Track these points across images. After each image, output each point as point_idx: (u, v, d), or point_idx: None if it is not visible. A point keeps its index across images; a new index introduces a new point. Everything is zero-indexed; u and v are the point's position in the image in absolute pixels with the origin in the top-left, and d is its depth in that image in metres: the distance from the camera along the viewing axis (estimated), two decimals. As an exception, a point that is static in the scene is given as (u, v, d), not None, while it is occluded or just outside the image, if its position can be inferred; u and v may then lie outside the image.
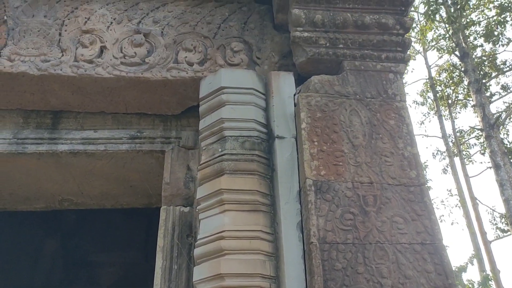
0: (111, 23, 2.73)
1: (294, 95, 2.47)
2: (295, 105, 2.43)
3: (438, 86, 18.15)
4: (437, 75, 18.01)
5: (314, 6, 2.55)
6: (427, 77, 18.19)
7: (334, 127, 2.27)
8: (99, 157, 2.75)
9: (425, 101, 18.99)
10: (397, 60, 2.48)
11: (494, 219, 16.69)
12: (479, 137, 16.87)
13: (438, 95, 17.89)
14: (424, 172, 2.18)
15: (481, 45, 15.27)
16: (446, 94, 18.02)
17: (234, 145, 2.30)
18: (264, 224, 2.12)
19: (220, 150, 2.30)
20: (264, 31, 2.79)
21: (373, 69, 2.46)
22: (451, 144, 17.84)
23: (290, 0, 2.57)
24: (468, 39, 14.64)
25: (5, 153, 2.66)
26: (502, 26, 13.99)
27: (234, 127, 2.35)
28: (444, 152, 18.11)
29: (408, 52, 2.51)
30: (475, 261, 14.96)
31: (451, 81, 17.72)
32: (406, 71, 2.66)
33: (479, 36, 15.11)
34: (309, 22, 2.50)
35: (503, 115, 14.52)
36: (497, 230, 16.43)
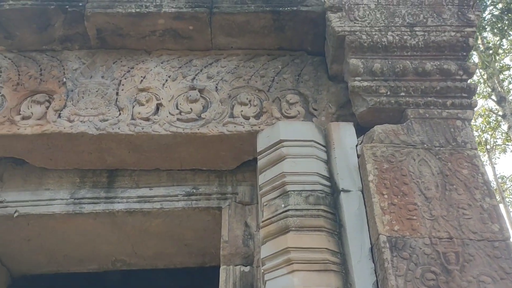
0: (166, 80, 2.76)
1: (356, 146, 2.38)
2: (358, 157, 2.33)
3: (475, 132, 17.72)
4: (473, 121, 17.63)
5: (371, 55, 2.51)
6: (464, 122, 17.79)
7: (403, 179, 2.15)
8: (155, 216, 2.69)
9: (463, 147, 18.47)
10: (464, 107, 2.38)
11: (549, 269, 15.62)
12: (523, 182, 16.18)
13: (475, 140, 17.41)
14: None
15: (518, 89, 14.93)
16: (483, 139, 17.54)
17: (297, 200, 2.20)
18: (336, 285, 1.97)
19: (283, 205, 2.21)
20: (318, 82, 2.75)
21: (439, 116, 2.36)
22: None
23: (346, 50, 2.54)
24: (503, 83, 14.37)
25: (62, 214, 2.64)
26: (537, 70, 13.71)
27: (297, 181, 2.26)
28: (488, 199, 17.36)
29: (474, 98, 2.40)
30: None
31: (488, 126, 17.29)
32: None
33: (514, 80, 14.82)
34: (368, 71, 2.45)
35: (549, 159, 13.89)
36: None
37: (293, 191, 2.23)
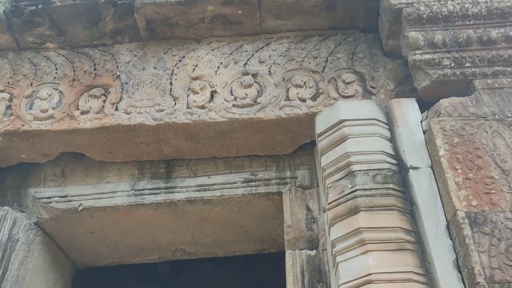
0: (218, 67, 2.73)
1: (421, 121, 2.29)
2: (424, 132, 2.25)
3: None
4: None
5: (431, 26, 2.41)
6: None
7: (477, 152, 2.05)
8: (215, 204, 2.68)
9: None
10: (535, 74, 2.25)
11: None
12: None
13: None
14: None
15: None
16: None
17: (365, 179, 2.14)
18: (414, 265, 1.91)
19: (350, 186, 2.15)
20: (374, 59, 2.67)
21: (509, 86, 2.24)
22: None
23: (403, 24, 2.44)
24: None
25: (125, 206, 2.67)
26: None
27: (362, 161, 2.20)
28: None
29: (546, 64, 2.27)
30: None
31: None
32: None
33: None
34: (428, 43, 2.36)
35: None
36: None
37: (359, 170, 2.17)
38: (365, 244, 1.96)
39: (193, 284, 5.58)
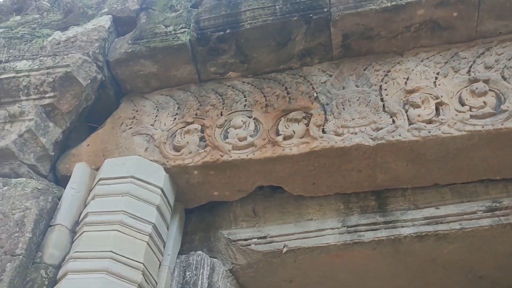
0: (436, 78, 2.34)
1: None
2: None
3: None
4: None
5: None
6: None
7: None
8: (451, 240, 2.18)
9: None
10: None
11: None
12: None
13: None
14: None
15: None
16: None
17: None
18: None
19: None
20: None
21: None
22: None
23: None
24: None
25: (337, 245, 2.25)
26: None
27: None
28: None
29: None
30: None
31: None
32: None
33: None
34: None
35: None
36: None
37: None
38: None
39: None
